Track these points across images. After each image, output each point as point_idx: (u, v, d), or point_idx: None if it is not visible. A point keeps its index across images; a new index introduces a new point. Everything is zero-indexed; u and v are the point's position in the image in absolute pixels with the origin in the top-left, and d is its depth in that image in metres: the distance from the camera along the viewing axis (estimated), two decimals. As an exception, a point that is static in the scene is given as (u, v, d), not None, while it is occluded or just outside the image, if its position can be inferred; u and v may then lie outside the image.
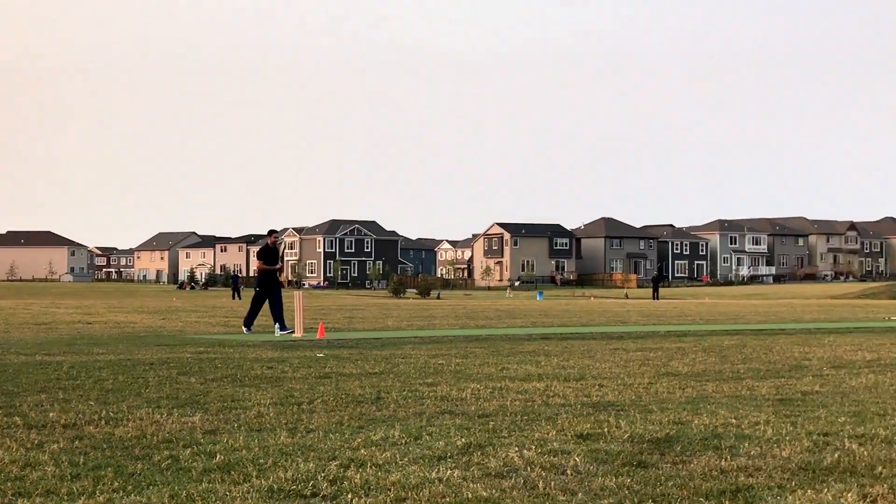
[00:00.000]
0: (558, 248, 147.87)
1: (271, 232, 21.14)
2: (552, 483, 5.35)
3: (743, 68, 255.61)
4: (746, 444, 6.55)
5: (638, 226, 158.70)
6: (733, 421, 7.60)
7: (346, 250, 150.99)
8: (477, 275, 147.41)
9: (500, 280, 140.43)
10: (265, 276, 20.42)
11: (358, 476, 5.51)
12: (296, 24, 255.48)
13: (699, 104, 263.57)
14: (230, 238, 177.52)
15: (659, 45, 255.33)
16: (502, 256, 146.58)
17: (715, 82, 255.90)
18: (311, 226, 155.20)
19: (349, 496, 5.09)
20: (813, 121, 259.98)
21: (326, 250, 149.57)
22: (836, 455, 6.17)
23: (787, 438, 6.80)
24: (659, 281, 73.62)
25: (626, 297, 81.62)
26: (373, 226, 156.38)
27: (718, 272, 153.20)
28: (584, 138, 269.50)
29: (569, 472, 5.66)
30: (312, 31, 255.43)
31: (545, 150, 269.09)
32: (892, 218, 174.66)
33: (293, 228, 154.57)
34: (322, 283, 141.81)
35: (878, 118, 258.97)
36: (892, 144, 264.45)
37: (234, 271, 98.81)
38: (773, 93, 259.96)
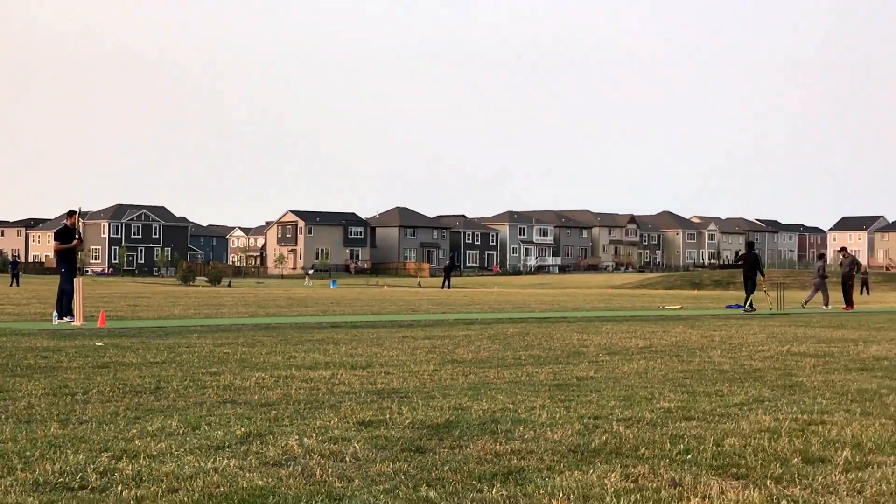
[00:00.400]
0: (353, 236, 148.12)
1: (71, 212, 20.18)
2: (330, 470, 5.37)
3: (535, 66, 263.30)
4: (521, 428, 6.76)
5: (431, 216, 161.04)
6: (511, 406, 7.84)
7: (132, 236, 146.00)
8: (270, 263, 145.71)
9: (294, 268, 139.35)
10: (61, 256, 19.57)
11: (130, 467, 5.36)
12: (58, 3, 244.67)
13: (491, 98, 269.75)
14: (8, 222, 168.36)
15: (451, 42, 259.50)
16: (296, 244, 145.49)
17: (508, 78, 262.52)
18: (95, 210, 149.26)
19: (119, 488, 4.94)
20: (597, 119, 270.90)
21: (112, 236, 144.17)
22: (604, 437, 6.46)
23: (560, 422, 7.07)
24: (450, 270, 74.95)
25: (419, 285, 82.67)
26: (161, 211, 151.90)
27: (508, 262, 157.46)
28: (380, 128, 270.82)
29: (348, 459, 5.69)
30: (80, 8, 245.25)
31: (341, 138, 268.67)
32: (668, 212, 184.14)
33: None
34: (107, 270, 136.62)
35: (656, 118, 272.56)
36: (669, 143, 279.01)
37: (13, 256, 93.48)
38: (561, 91, 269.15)
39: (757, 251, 30.92)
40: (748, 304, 28.72)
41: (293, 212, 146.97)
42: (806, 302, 32.97)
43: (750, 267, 29.59)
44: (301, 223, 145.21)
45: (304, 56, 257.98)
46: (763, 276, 29.67)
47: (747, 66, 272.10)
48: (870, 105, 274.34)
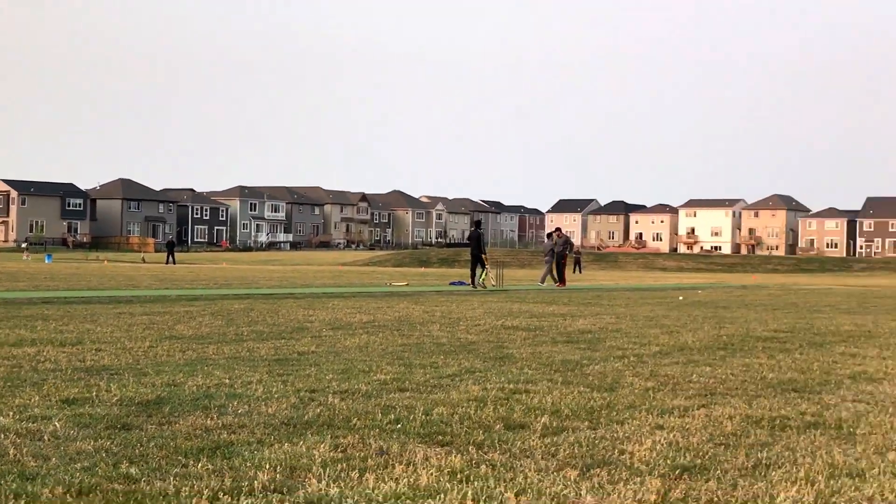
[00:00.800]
0: (71, 208, 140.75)
1: None
2: (25, 449, 5.10)
3: (267, 47, 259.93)
4: (235, 403, 6.69)
5: (158, 188, 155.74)
6: (227, 381, 7.74)
7: None
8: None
9: (6, 241, 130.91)
10: None
11: None
12: None
13: (220, 71, 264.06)
14: None
15: (190, 18, 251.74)
16: (8, 216, 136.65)
17: (239, 56, 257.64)
18: None
19: None
20: (331, 97, 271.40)
21: None
22: (318, 410, 6.50)
23: (276, 396, 7.05)
24: (174, 245, 72.98)
25: (143, 261, 79.88)
26: None
27: (238, 238, 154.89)
28: (103, 95, 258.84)
29: (46, 437, 5.43)
30: None
31: (60, 103, 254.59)
32: (399, 192, 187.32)
33: None
34: None
35: (386, 100, 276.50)
36: (399, 124, 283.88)
37: None
38: (294, 70, 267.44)
39: (482, 230, 31.95)
40: (476, 280, 29.73)
41: (5, 181, 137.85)
42: (543, 279, 34.33)
43: (475, 245, 30.58)
44: (14, 193, 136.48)
45: (24, 15, 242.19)
46: (485, 253, 30.72)
47: (477, 57, 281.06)
48: (588, 97, 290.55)
